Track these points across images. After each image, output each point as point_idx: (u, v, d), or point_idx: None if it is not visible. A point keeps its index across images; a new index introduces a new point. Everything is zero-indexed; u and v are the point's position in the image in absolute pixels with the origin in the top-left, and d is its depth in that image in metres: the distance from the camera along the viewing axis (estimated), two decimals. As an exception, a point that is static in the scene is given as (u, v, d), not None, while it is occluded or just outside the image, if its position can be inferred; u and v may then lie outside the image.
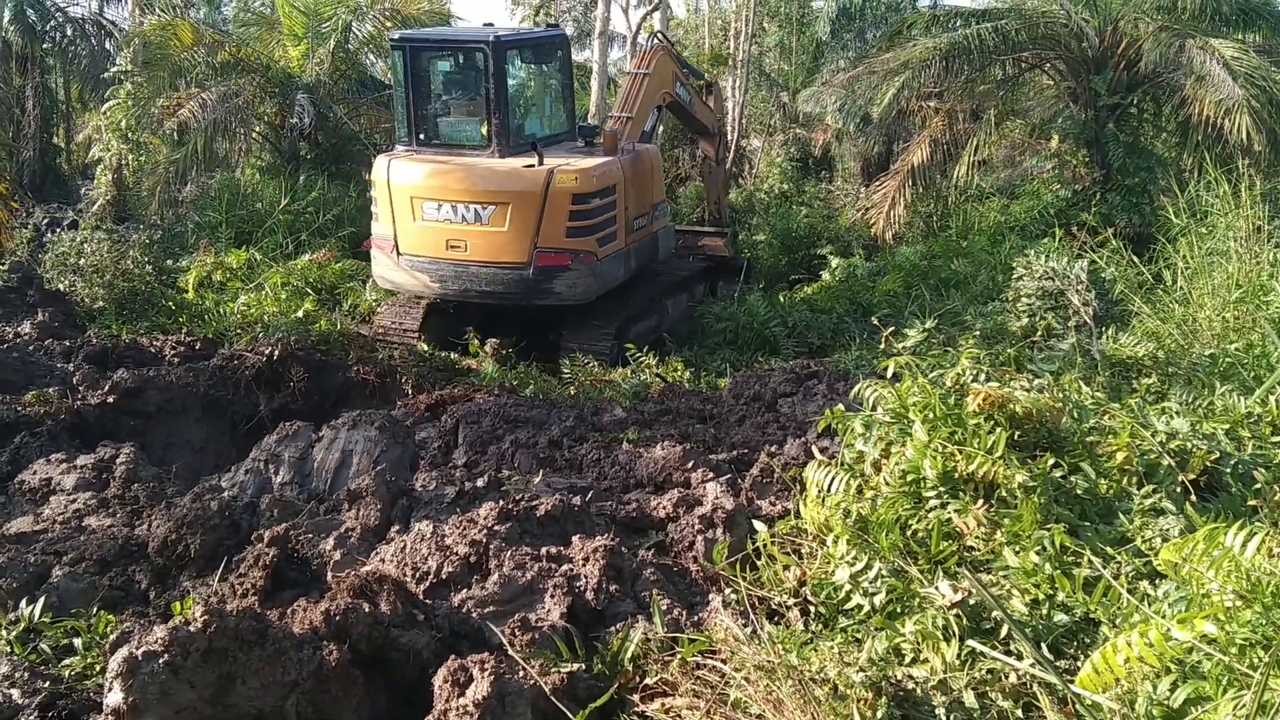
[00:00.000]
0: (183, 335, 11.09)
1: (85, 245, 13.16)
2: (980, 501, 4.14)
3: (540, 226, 12.03)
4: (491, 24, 15.46)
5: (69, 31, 26.05)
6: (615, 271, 12.96)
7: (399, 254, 12.57)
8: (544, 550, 4.41)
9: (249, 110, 19.84)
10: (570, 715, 3.17)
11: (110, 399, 8.33)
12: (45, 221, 18.00)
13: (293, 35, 21.47)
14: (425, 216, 12.35)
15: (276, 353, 9.50)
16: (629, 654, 3.72)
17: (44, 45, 25.22)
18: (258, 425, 8.90)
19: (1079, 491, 4.23)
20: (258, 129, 21.35)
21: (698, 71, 18.35)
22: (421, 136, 13.12)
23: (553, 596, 4.06)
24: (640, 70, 14.22)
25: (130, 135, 18.55)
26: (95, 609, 4.57)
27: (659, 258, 14.78)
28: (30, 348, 9.97)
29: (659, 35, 15.92)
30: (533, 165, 12.26)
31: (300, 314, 12.16)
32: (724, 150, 18.26)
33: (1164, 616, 3.15)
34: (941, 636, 3.52)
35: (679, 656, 3.63)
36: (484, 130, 12.91)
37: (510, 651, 3.55)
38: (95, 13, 27.61)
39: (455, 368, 10.81)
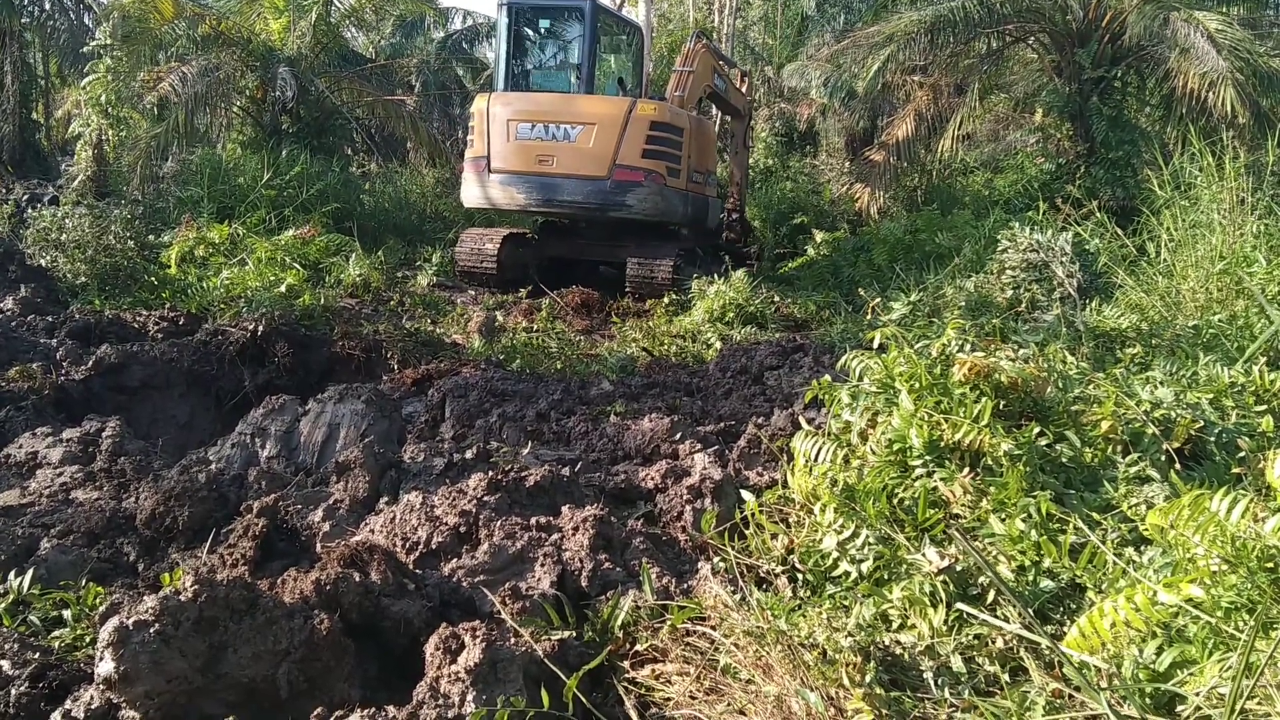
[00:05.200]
0: (166, 310, 11.02)
1: (67, 221, 13.07)
2: (966, 470, 4.17)
3: (620, 145, 14.29)
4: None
5: (47, 5, 25.81)
6: (677, 203, 15.05)
7: (490, 172, 14.74)
8: (533, 520, 4.42)
9: (230, 84, 19.71)
10: (564, 679, 3.19)
11: (94, 374, 8.29)
12: (26, 197, 17.88)
13: (274, 8, 21.31)
14: (519, 136, 14.56)
15: (260, 328, 9.45)
16: (619, 621, 3.74)
17: (22, 20, 24.99)
18: (243, 401, 8.87)
19: (1064, 460, 4.26)
20: (239, 103, 21.21)
21: (732, 61, 20.30)
22: (515, 83, 15.53)
23: (543, 565, 4.07)
24: (685, 68, 16.02)
25: (110, 110, 18.45)
26: (84, 581, 4.55)
27: (708, 225, 16.88)
28: (13, 323, 9.90)
29: (701, 34, 17.55)
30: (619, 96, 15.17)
31: (283, 289, 12.11)
32: (750, 135, 19.30)
33: (1149, 581, 3.18)
34: (929, 602, 3.55)
35: (669, 623, 3.65)
36: (573, 78, 15.32)
37: (505, 616, 3.57)
38: (74, -14, 27.37)
39: (441, 342, 10.79)
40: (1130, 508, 3.89)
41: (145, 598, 3.43)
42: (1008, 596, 3.33)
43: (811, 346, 8.98)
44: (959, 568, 3.64)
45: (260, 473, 5.72)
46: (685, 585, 4.07)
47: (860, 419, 4.68)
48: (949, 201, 20.25)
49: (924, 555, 3.71)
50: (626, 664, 3.59)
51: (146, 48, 19.45)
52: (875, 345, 5.01)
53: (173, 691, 3.25)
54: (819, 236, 18.16)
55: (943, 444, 4.25)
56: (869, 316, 5.40)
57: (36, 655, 3.73)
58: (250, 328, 9.46)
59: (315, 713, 3.21)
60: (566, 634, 3.61)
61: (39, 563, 4.63)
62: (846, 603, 3.79)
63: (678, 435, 6.09)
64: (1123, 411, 4.51)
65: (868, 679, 3.13)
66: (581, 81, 15.02)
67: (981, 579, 3.62)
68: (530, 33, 15.78)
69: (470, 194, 15.25)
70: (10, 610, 4.21)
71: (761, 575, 4.17)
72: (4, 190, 18.50)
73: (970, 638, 3.43)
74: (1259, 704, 2.71)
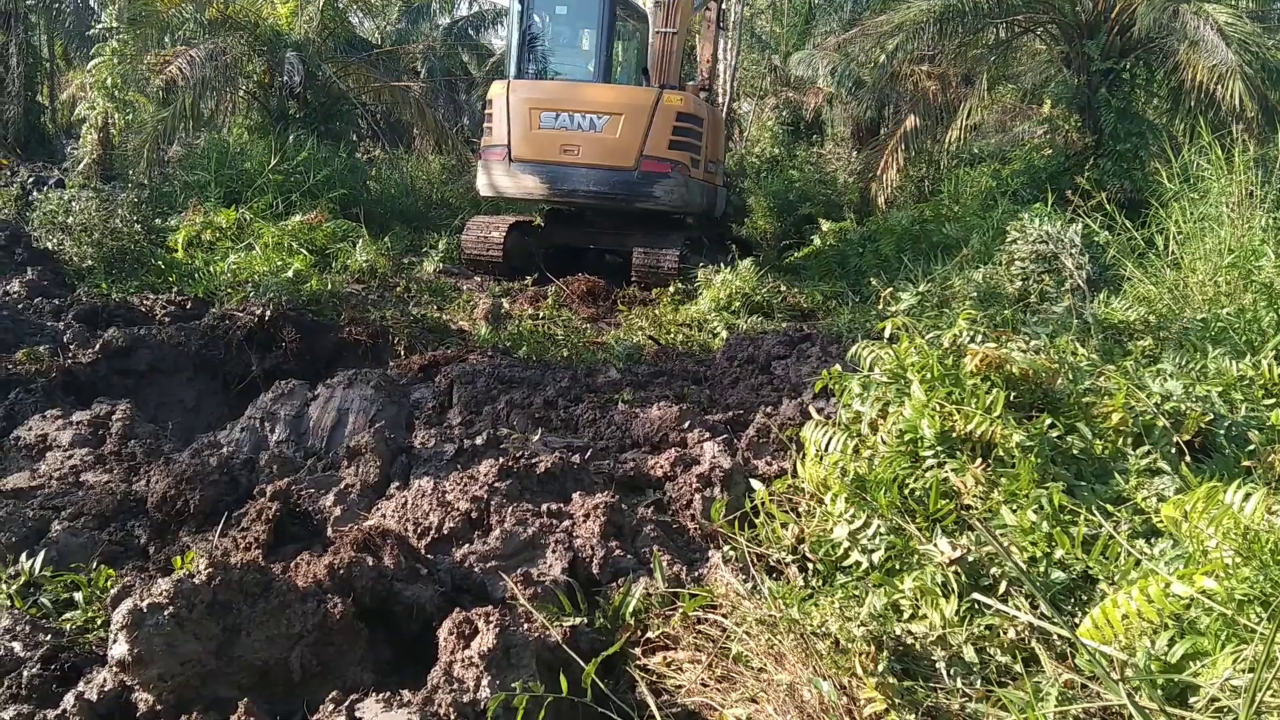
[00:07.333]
0: (173, 295, 11.01)
1: (74, 204, 13.03)
2: (978, 461, 4.17)
3: (648, 136, 14.13)
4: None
5: (53, -13, 25.72)
6: (698, 194, 14.94)
7: (510, 160, 14.46)
8: (544, 507, 4.43)
9: (237, 68, 19.66)
10: (579, 664, 3.20)
11: (101, 358, 8.29)
12: (31, 180, 17.84)
13: (281, -7, 21.24)
14: (542, 125, 14.34)
15: (268, 313, 9.44)
16: (630, 609, 3.74)
17: (27, 1, 24.89)
18: (250, 385, 8.87)
19: (1075, 451, 4.26)
20: (246, 88, 21.18)
21: None
22: (530, 70, 15.30)
23: (554, 552, 4.08)
24: (668, 29, 15.57)
25: (116, 93, 18.37)
26: (95, 563, 4.56)
27: (716, 215, 16.85)
28: (20, 306, 9.89)
29: None
30: (643, 86, 14.93)
31: (290, 274, 12.10)
32: (725, 14, 18.82)
33: (1162, 573, 3.18)
34: (940, 593, 3.55)
35: (680, 611, 3.65)
36: (589, 66, 15.03)
37: (521, 601, 3.57)
38: (80, -32, 27.30)
39: (448, 329, 10.79)
40: (1142, 500, 3.89)
41: (159, 580, 3.44)
42: (1023, 586, 3.34)
43: (818, 336, 8.99)
44: (971, 558, 3.64)
45: (271, 457, 5.73)
46: (696, 573, 4.08)
47: (871, 409, 4.68)
48: (956, 192, 20.20)
49: (936, 546, 3.71)
50: (638, 651, 3.60)
51: (153, 31, 19.35)
52: (886, 335, 5.01)
53: (186, 674, 3.26)
54: (825, 226, 18.11)
55: (954, 435, 4.25)
56: (880, 306, 5.39)
57: (48, 637, 3.74)
58: (257, 312, 9.45)
59: (330, 696, 3.22)
60: (578, 620, 3.62)
61: (50, 545, 4.65)
62: (858, 592, 3.80)
63: (686, 424, 6.10)
64: (1133, 404, 4.51)
65: (880, 668, 3.14)
66: (598, 70, 14.82)
67: (994, 570, 3.62)
68: (544, 19, 15.58)
69: (488, 182, 15.04)
70: (21, 592, 4.23)
71: (772, 564, 4.18)
72: (9, 173, 18.41)
73: (982, 628, 3.43)
74: (1272, 695, 2.71)
